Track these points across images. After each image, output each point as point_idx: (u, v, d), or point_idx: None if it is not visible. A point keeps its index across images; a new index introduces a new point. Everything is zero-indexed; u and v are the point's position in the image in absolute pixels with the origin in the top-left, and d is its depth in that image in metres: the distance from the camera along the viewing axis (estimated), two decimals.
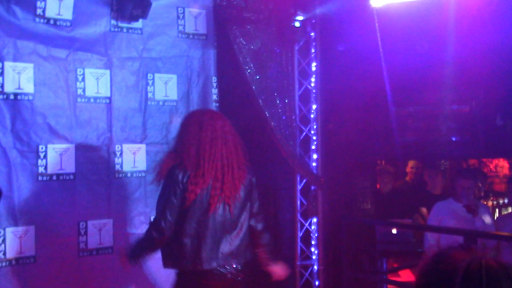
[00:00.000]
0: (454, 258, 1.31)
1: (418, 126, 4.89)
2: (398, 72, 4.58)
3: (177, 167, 2.77)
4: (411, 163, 5.96)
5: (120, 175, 3.87)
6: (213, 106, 4.32)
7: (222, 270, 2.79)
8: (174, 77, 4.15)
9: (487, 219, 4.28)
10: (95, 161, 3.78)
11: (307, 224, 4.83)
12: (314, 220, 4.81)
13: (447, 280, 1.28)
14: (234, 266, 2.83)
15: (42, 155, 3.59)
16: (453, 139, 4.89)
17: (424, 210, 5.10)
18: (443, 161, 6.57)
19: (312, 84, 4.85)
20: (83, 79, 3.77)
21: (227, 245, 2.80)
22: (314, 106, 4.85)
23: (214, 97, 4.33)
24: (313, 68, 4.85)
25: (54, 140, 3.64)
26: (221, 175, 2.80)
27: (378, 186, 5.58)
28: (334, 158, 4.85)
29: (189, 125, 2.87)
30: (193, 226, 2.75)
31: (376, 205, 4.88)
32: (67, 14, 3.69)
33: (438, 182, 5.38)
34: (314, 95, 4.85)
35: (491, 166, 7.06)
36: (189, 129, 2.85)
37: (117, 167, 3.87)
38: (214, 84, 4.33)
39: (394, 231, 4.56)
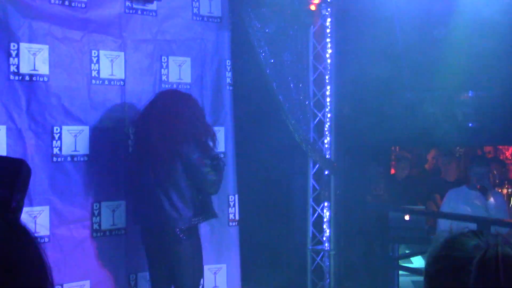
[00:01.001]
0: (466, 244, 1.27)
1: (433, 112, 4.81)
2: (414, 57, 4.50)
3: None
4: (433, 152, 5.90)
5: (134, 157, 3.81)
6: (227, 89, 4.30)
7: None
8: (188, 60, 4.13)
9: (500, 204, 4.23)
10: (109, 143, 3.79)
11: (319, 209, 4.82)
12: (327, 205, 4.80)
13: (461, 267, 1.23)
14: None
15: (56, 136, 3.59)
16: (470, 125, 4.81)
17: (437, 196, 5.07)
18: (458, 148, 6.50)
19: (327, 68, 4.80)
20: (97, 61, 3.76)
21: None
22: (328, 91, 4.81)
23: (228, 80, 4.30)
24: (329, 52, 4.80)
25: (69, 121, 3.65)
26: None
27: (392, 171, 5.54)
28: (348, 143, 4.83)
29: None
30: None
31: (389, 191, 4.85)
32: None
33: (452, 169, 5.33)
34: (328, 80, 4.81)
35: (507, 154, 6.96)
36: None
37: (131, 149, 3.86)
38: (228, 68, 4.30)
39: (407, 217, 4.54)
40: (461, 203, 4.32)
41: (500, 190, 5.52)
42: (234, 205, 4.25)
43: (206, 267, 3.97)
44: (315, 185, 4.84)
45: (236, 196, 4.25)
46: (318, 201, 4.82)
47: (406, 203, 4.88)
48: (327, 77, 4.81)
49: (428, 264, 1.34)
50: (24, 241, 0.90)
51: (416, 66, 4.50)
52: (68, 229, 3.63)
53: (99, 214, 3.74)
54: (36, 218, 3.51)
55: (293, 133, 4.57)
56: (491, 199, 4.33)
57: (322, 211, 4.82)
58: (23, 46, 3.50)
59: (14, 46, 3.46)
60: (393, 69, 4.48)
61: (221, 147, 4.09)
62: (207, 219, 3.57)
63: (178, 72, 4.10)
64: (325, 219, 4.80)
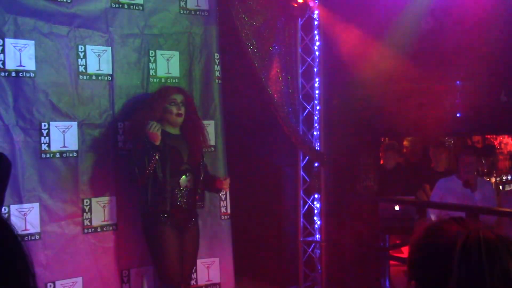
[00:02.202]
0: (448, 231, 1.27)
1: (421, 102, 4.84)
2: (403, 48, 4.52)
3: None
4: (406, 140, 5.94)
5: (123, 153, 3.86)
6: (216, 83, 4.30)
7: None
8: (176, 54, 4.13)
9: (487, 194, 4.28)
10: (97, 139, 3.79)
11: (310, 201, 4.86)
12: (317, 196, 4.83)
13: (444, 254, 1.24)
14: None
15: (45, 132, 3.58)
16: (458, 115, 4.85)
17: (427, 187, 5.11)
18: (447, 138, 6.54)
19: (316, 60, 4.82)
20: (84, 56, 3.75)
21: None
22: (317, 83, 4.83)
23: (217, 74, 4.30)
24: (317, 44, 4.82)
25: (57, 117, 3.63)
26: None
27: (381, 162, 5.57)
28: (337, 135, 4.84)
29: None
30: None
31: (379, 182, 4.88)
32: None
33: (443, 160, 5.37)
34: (316, 72, 4.82)
35: (495, 143, 7.03)
36: None
37: (120, 144, 3.86)
38: (217, 61, 4.30)
39: (396, 207, 4.58)
40: (450, 193, 4.36)
41: (488, 179, 5.58)
42: (225, 199, 4.25)
43: (199, 261, 4.01)
44: (305, 177, 4.86)
45: (228, 193, 4.26)
46: (308, 193, 4.85)
47: (396, 193, 4.91)
48: (315, 69, 4.82)
49: (411, 252, 1.34)
50: (4, 234, 0.90)
51: (404, 57, 4.50)
52: (59, 226, 3.62)
53: (89, 210, 3.74)
54: (26, 215, 3.50)
55: (283, 126, 4.58)
56: (479, 189, 4.37)
57: (313, 203, 4.85)
58: (9, 42, 3.48)
59: None
60: (381, 60, 4.49)
61: (211, 141, 4.10)
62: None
63: (167, 66, 4.09)
64: (315, 211, 4.83)
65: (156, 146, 3.44)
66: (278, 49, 4.58)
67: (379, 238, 4.64)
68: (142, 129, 3.47)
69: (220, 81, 4.33)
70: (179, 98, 3.67)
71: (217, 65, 4.31)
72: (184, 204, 3.61)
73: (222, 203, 4.26)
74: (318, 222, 4.82)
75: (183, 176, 3.60)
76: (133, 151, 3.56)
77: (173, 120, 3.65)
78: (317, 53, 4.81)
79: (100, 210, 3.78)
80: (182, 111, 3.66)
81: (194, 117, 3.78)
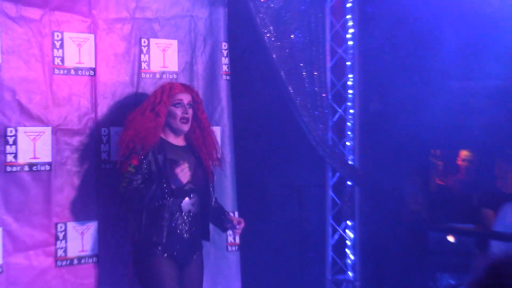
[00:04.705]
0: None
1: (483, 106, 4.83)
2: (460, 38, 4.51)
3: None
4: (463, 154, 5.88)
5: (108, 166, 3.88)
6: (223, 79, 4.32)
7: None
8: (174, 43, 4.15)
9: None
10: (76, 148, 3.80)
11: (341, 229, 4.85)
12: (350, 224, 4.83)
13: None
14: None
15: (11, 140, 3.60)
16: None
17: (489, 212, 5.07)
18: None
19: (349, 52, 4.83)
20: (61, 46, 3.78)
21: None
22: (350, 80, 4.83)
23: (224, 68, 4.32)
24: (350, 32, 4.83)
25: (26, 121, 3.65)
26: None
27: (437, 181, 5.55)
28: (376, 146, 4.86)
29: None
30: None
31: (429, 206, 4.86)
32: None
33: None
34: (350, 66, 4.83)
35: None
36: None
37: (104, 155, 3.88)
38: (225, 52, 4.32)
39: (451, 239, 4.54)
40: None
41: None
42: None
43: None
44: (335, 198, 4.86)
45: (236, 213, 4.25)
46: (339, 219, 4.85)
47: (450, 221, 4.87)
48: (348, 63, 4.84)
49: None
50: None
51: (462, 49, 4.50)
52: (26, 257, 3.63)
53: (64, 237, 3.75)
54: None
55: (307, 134, 4.58)
56: None
57: (345, 232, 4.84)
58: None
59: None
60: (432, 53, 4.48)
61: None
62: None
63: (162, 58, 4.11)
64: (348, 242, 4.82)
65: (173, 190, 3.41)
66: (301, 38, 4.61)
67: (429, 278, 4.60)
68: (145, 142, 3.48)
69: (228, 78, 4.34)
70: (186, 98, 3.67)
71: (225, 57, 4.32)
72: (186, 233, 3.59)
73: (229, 231, 4.16)
74: (352, 257, 4.82)
75: (186, 198, 3.59)
76: (133, 173, 3.49)
77: (177, 126, 3.63)
78: (350, 42, 4.82)
79: (77, 238, 3.79)
80: (190, 114, 3.66)
81: (203, 124, 3.78)
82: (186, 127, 3.65)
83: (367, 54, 4.83)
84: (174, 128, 3.64)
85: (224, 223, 3.78)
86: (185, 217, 3.58)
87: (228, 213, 3.86)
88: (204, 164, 3.71)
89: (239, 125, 4.48)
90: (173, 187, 3.40)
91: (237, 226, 3.70)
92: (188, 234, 3.59)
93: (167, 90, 3.63)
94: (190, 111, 3.65)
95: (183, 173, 3.38)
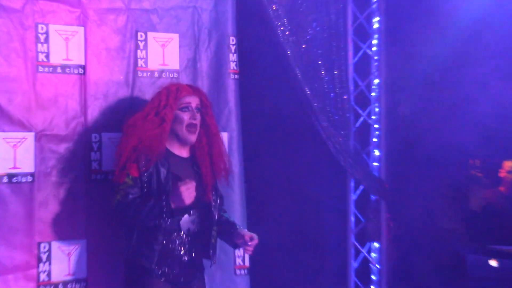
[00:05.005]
0: None
1: None
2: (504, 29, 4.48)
3: None
4: (507, 165, 5.85)
5: (99, 177, 3.87)
6: (231, 79, 4.31)
7: None
8: (175, 37, 4.16)
9: None
10: (63, 157, 3.79)
11: (365, 251, 4.85)
12: (376, 245, 4.82)
13: None
14: None
15: None
16: None
17: None
18: None
19: (374, 48, 4.84)
20: (46, 40, 3.77)
21: None
22: (376, 80, 4.84)
23: (232, 66, 4.32)
24: (376, 25, 4.84)
25: (6, 126, 3.65)
26: None
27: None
28: (405, 155, 4.86)
29: None
30: None
31: (467, 224, 4.82)
32: None
33: None
34: (376, 64, 4.84)
35: None
36: None
37: (94, 165, 3.87)
38: (232, 48, 4.33)
39: (493, 263, 4.51)
40: None
41: None
42: None
43: None
44: (359, 215, 4.85)
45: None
46: (363, 239, 4.85)
47: (492, 242, 4.82)
48: (374, 59, 4.85)
49: None
50: None
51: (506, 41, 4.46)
52: (4, 282, 3.60)
53: (48, 259, 3.72)
54: None
55: (326, 141, 4.59)
56: None
57: (369, 254, 4.84)
58: None
59: None
60: (472, 47, 4.42)
61: None
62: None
63: (161, 54, 4.12)
64: (373, 266, 4.82)
65: (173, 210, 3.34)
66: (320, 31, 4.62)
67: None
68: (148, 151, 3.43)
69: (236, 77, 4.34)
70: (194, 101, 3.62)
71: (233, 54, 4.33)
72: (185, 255, 3.55)
73: (237, 252, 4.26)
74: (377, 283, 4.81)
75: (185, 215, 3.53)
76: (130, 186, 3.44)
77: (183, 134, 3.57)
78: (376, 36, 4.82)
79: (63, 259, 3.77)
80: (198, 120, 3.60)
81: (211, 130, 3.72)
82: (193, 137, 3.58)
83: (395, 50, 4.83)
84: (180, 136, 3.58)
85: (234, 238, 3.69)
86: (184, 237, 3.53)
87: (239, 227, 3.78)
88: (203, 179, 3.63)
89: (249, 131, 4.49)
90: (173, 206, 3.33)
91: (249, 243, 3.60)
92: (188, 256, 3.55)
93: (174, 92, 3.58)
94: (198, 116, 3.60)
95: (188, 192, 3.31)
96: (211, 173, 3.66)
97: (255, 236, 3.63)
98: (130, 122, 3.56)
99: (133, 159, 3.42)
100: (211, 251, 3.66)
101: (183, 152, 3.62)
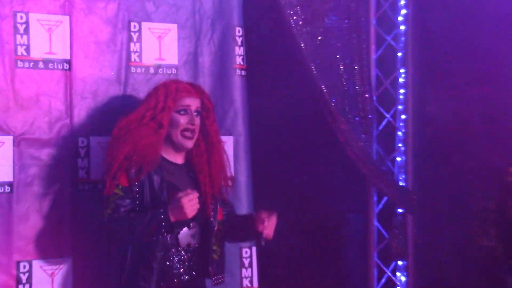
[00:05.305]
0: None
1: None
2: None
3: None
4: None
5: (86, 187, 3.86)
6: (237, 75, 4.30)
7: None
8: (173, 28, 4.16)
9: None
10: (45, 164, 3.77)
11: (389, 271, 4.84)
12: (401, 264, 4.81)
13: None
14: None
15: None
16: None
17: None
18: None
19: (400, 40, 4.83)
20: (26, 31, 3.75)
21: None
22: (402, 77, 4.84)
23: (239, 60, 4.32)
24: (402, 13, 4.83)
25: None
26: None
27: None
28: (435, 163, 4.85)
29: None
30: None
31: (506, 241, 4.76)
32: None
33: None
34: (402, 58, 4.85)
35: None
36: None
37: (82, 173, 3.86)
38: (239, 40, 4.32)
39: None
40: None
41: None
42: (250, 264, 4.28)
43: None
44: (382, 230, 4.85)
45: (254, 248, 4.28)
46: (387, 257, 4.82)
47: None
48: (399, 53, 4.85)
49: None
50: None
51: None
52: None
53: (29, 280, 3.70)
54: None
55: (345, 146, 4.57)
56: None
57: (394, 275, 4.84)
58: None
59: None
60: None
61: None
62: None
63: (158, 47, 4.13)
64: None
65: (173, 224, 3.30)
66: (338, 21, 4.63)
67: None
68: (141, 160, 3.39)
69: (243, 73, 4.33)
70: (194, 103, 3.58)
71: (240, 47, 4.32)
72: (184, 274, 3.52)
73: (244, 272, 4.27)
74: None
75: (185, 228, 3.51)
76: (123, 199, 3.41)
77: (177, 140, 3.54)
78: (403, 27, 4.83)
79: (46, 280, 3.76)
80: (197, 126, 3.57)
81: (211, 138, 3.69)
82: (189, 143, 3.55)
83: (424, 43, 4.83)
84: (174, 142, 3.55)
85: (252, 227, 3.54)
86: (183, 253, 3.51)
87: (251, 214, 3.84)
88: (202, 190, 3.59)
89: (257, 134, 4.48)
90: (173, 220, 3.28)
91: (266, 219, 3.46)
92: (188, 275, 3.53)
93: (173, 92, 3.53)
94: (198, 121, 3.56)
95: (191, 204, 3.25)
96: (210, 182, 3.63)
97: (273, 213, 3.51)
98: (122, 124, 3.50)
99: (124, 168, 3.38)
100: (211, 268, 3.60)
101: (178, 159, 3.59)
